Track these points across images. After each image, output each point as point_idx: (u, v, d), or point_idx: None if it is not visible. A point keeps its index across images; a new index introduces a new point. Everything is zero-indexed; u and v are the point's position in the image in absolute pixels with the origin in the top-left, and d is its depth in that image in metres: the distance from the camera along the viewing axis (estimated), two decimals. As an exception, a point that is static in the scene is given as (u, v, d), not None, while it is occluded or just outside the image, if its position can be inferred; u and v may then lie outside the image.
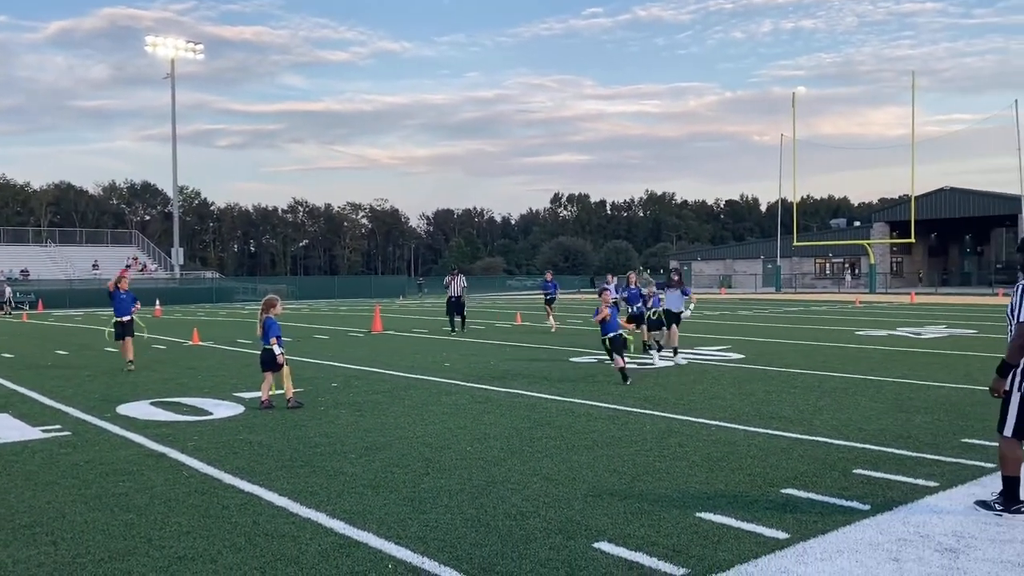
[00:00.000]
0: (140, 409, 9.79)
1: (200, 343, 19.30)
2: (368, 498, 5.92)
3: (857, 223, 71.97)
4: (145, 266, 59.65)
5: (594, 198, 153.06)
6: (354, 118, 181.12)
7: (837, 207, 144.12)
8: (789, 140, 53.31)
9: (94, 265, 55.72)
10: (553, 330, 21.75)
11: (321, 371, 13.48)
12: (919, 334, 19.92)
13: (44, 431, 8.57)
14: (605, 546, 4.87)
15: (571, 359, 14.94)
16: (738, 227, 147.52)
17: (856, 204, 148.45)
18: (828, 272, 66.81)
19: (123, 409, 9.81)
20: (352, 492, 6.08)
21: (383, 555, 4.75)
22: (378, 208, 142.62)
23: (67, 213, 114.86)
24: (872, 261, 55.54)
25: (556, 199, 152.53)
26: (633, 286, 16.08)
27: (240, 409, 9.77)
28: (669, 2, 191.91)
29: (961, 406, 9.47)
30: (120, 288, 14.11)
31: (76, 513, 5.62)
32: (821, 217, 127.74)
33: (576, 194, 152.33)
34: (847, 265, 65.29)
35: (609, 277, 20.90)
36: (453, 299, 22.51)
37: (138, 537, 5.11)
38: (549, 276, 24.95)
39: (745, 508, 5.57)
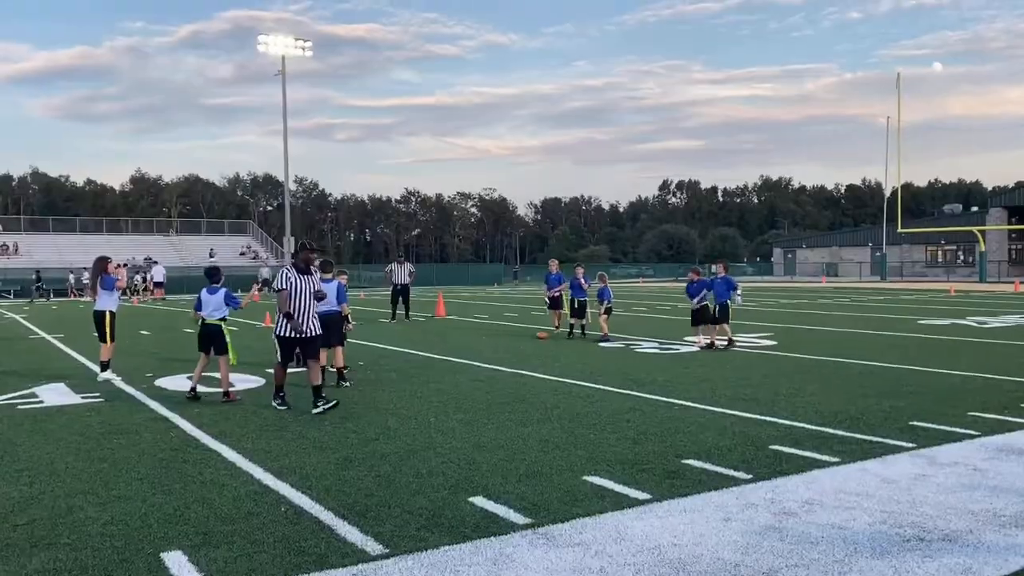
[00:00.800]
0: (174, 382, 10.95)
1: (269, 325, 20.67)
2: (308, 457, 6.72)
3: (974, 208, 68.40)
4: (257, 254, 62.94)
5: (705, 184, 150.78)
6: (465, 110, 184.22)
7: (968, 191, 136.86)
8: (906, 123, 51.36)
9: (210, 253, 59.28)
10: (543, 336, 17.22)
11: (359, 351, 14.46)
12: (984, 323, 19.32)
13: (84, 398, 9.81)
14: (478, 500, 5.49)
15: (601, 344, 15.43)
16: (859, 213, 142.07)
17: (990, 188, 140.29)
18: (940, 260, 63.89)
19: (161, 382, 11.01)
20: (299, 452, 6.90)
21: (285, 501, 5.53)
22: (487, 197, 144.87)
23: (195, 204, 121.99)
24: (983, 248, 52.84)
25: (665, 186, 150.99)
26: (576, 278, 16.83)
27: (261, 383, 10.80)
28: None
29: (954, 392, 9.51)
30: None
31: (63, 462, 6.66)
32: (950, 202, 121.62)
33: (686, 181, 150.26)
34: (960, 252, 62.26)
35: (578, 269, 17.68)
36: (399, 287, 22.18)
37: (99, 481, 6.07)
38: (554, 267, 18.72)
39: (632, 474, 6.06)
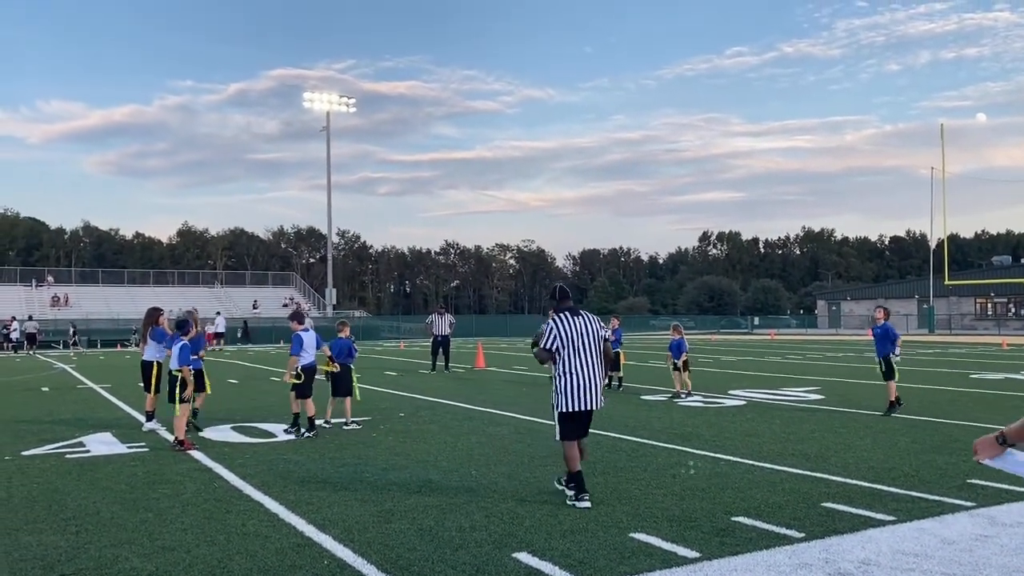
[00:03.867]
0: (219, 432, 11.01)
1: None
2: (351, 509, 6.68)
3: (1024, 260, 66.98)
4: (299, 305, 63.67)
5: (746, 236, 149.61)
6: (504, 164, 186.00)
7: (1017, 243, 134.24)
8: (950, 174, 50.77)
9: (254, 305, 60.14)
10: None
11: (400, 402, 14.45)
12: (1039, 377, 18.76)
13: (129, 447, 9.90)
14: (523, 556, 5.39)
15: (642, 396, 15.25)
16: (904, 265, 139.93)
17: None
18: (990, 313, 62.44)
19: (206, 432, 11.08)
20: (341, 504, 6.86)
21: (327, 554, 5.48)
22: (525, 249, 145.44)
23: (240, 257, 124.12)
24: (1035, 300, 51.55)
25: (705, 237, 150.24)
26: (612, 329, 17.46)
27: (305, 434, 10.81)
28: (817, 38, 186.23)
29: (1005, 449, 9.19)
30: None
31: (108, 512, 6.70)
32: (998, 254, 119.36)
33: (727, 232, 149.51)
34: (1011, 305, 60.83)
35: (614, 320, 19.00)
36: (439, 338, 22.32)
37: (143, 531, 6.08)
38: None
39: (680, 531, 5.92)
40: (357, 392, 11.78)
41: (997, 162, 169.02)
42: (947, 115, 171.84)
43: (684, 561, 5.25)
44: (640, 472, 8.11)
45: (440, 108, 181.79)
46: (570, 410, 6.86)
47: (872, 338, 13.27)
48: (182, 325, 10.29)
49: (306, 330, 10.94)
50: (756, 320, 76.20)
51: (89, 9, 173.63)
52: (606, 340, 7.06)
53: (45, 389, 18.26)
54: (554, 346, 6.88)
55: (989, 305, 62.89)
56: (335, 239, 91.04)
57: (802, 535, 5.80)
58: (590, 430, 7.22)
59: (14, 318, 42.38)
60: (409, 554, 5.44)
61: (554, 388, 6.98)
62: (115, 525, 6.26)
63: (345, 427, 11.25)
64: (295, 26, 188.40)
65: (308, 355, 10.79)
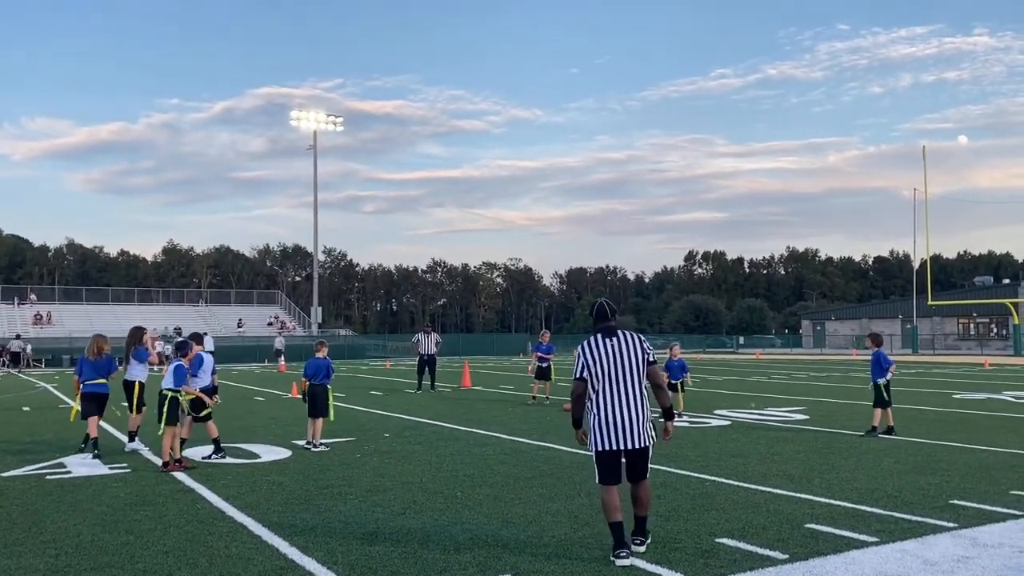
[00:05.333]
0: (202, 452, 10.93)
1: (297, 396, 20.72)
2: (335, 531, 6.64)
3: (1006, 280, 67.60)
4: (284, 324, 63.39)
5: (731, 255, 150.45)
6: (490, 183, 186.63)
7: (998, 263, 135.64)
8: (932, 195, 51.29)
9: (238, 324, 59.83)
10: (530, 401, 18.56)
11: (385, 422, 14.40)
12: (1022, 398, 18.89)
13: (111, 468, 9.82)
14: (506, 579, 5.38)
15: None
16: (888, 285, 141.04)
17: (1021, 260, 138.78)
18: (972, 333, 62.93)
19: (188, 452, 10.98)
20: (325, 526, 6.82)
21: (310, 577, 5.45)
22: (512, 267, 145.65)
23: (225, 275, 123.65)
24: (1016, 321, 52.02)
25: (690, 257, 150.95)
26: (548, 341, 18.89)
27: (287, 454, 10.76)
28: (800, 60, 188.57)
29: (993, 469, 9.25)
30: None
31: (89, 534, 6.63)
32: (979, 274, 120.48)
33: (712, 251, 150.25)
34: (992, 325, 61.33)
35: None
36: (426, 357, 22.28)
37: (124, 554, 6.02)
38: (546, 338, 19.40)
39: (664, 553, 5.92)
40: (332, 413, 11.66)
41: (978, 183, 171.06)
42: (928, 137, 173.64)
43: (668, 583, 5.25)
44: (623, 493, 8.08)
45: (427, 127, 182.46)
46: (601, 448, 5.87)
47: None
48: (181, 347, 10.21)
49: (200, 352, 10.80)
50: (741, 339, 76.48)
51: (75, 26, 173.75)
52: (652, 364, 6.00)
53: (26, 409, 18.08)
54: (583, 374, 5.91)
55: (971, 325, 63.41)
56: (321, 257, 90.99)
57: (786, 556, 5.81)
58: (647, 469, 6.04)
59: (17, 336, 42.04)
60: (392, 577, 5.42)
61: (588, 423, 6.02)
62: (95, 547, 6.20)
63: (314, 448, 11.12)
64: (282, 44, 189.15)
65: (205, 377, 10.68)
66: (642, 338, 6.07)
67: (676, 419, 14.39)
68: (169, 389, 9.49)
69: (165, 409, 9.41)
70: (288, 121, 61.72)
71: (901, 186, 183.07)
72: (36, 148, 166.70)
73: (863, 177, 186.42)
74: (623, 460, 5.93)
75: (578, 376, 5.92)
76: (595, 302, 6.19)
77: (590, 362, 5.89)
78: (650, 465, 6.05)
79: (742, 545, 6.11)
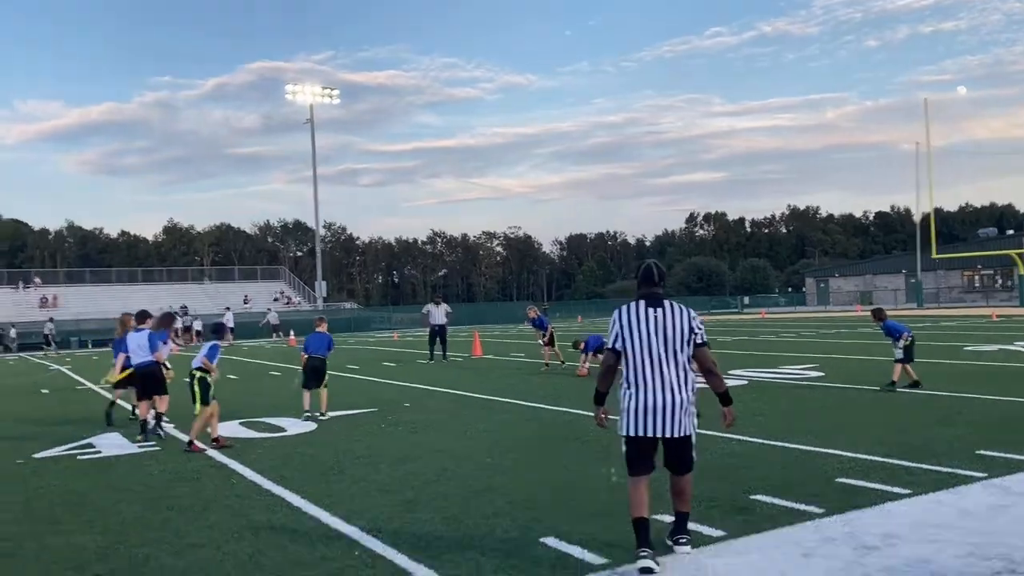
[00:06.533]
0: (227, 429, 10.98)
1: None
2: (373, 500, 6.73)
3: (1010, 232, 67.53)
4: (290, 299, 63.52)
5: (732, 216, 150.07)
6: (487, 151, 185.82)
7: (1000, 215, 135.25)
8: (934, 148, 51.05)
9: (244, 300, 59.93)
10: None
11: (403, 392, 14.50)
12: (1033, 348, 18.99)
13: (140, 447, 9.91)
14: (550, 540, 5.46)
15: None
16: (889, 240, 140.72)
17: (1023, 211, 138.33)
18: (977, 285, 62.98)
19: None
20: (363, 495, 6.91)
21: (357, 544, 5.53)
22: (512, 236, 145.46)
23: (226, 252, 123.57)
24: (1022, 271, 52.04)
25: (691, 219, 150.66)
26: (535, 316, 19.34)
27: (312, 427, 10.86)
28: (795, 16, 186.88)
29: (1015, 419, 9.33)
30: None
31: (130, 511, 6.72)
32: (982, 226, 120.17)
33: (713, 212, 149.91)
34: (997, 277, 61.35)
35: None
36: (437, 327, 22.31)
37: (170, 529, 6.12)
38: (533, 313, 19.74)
39: (701, 511, 5.99)
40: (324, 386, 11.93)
41: (977, 135, 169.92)
42: (926, 89, 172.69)
43: (710, 540, 5.34)
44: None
45: (420, 97, 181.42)
46: (633, 434, 5.10)
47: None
48: (218, 329, 10.57)
49: (139, 331, 10.90)
50: (746, 299, 76.52)
51: (64, 7, 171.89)
52: (701, 344, 5.19)
53: (45, 391, 18.19)
54: (616, 345, 5.16)
55: (976, 278, 63.45)
56: (322, 232, 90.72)
57: (822, 510, 5.88)
58: (684, 464, 5.30)
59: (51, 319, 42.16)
60: (438, 543, 5.50)
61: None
62: (140, 524, 6.29)
63: (321, 417, 11.46)
64: (271, 19, 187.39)
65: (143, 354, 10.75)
66: (692, 313, 5.26)
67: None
68: (197, 368, 9.53)
69: (197, 389, 9.43)
70: (281, 96, 61.34)
71: (900, 140, 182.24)
72: (29, 131, 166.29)
73: (861, 132, 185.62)
74: (659, 449, 5.22)
75: (611, 346, 5.17)
76: (642, 263, 5.37)
77: (625, 332, 5.10)
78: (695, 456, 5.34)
79: (777, 501, 6.20)
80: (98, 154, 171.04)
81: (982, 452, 7.59)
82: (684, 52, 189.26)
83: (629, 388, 5.11)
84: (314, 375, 11.80)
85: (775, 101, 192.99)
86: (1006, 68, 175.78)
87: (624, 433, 5.15)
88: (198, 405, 9.42)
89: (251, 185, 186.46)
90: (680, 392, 5.07)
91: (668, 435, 5.09)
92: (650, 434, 5.07)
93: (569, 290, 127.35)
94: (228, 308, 47.61)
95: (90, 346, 42.63)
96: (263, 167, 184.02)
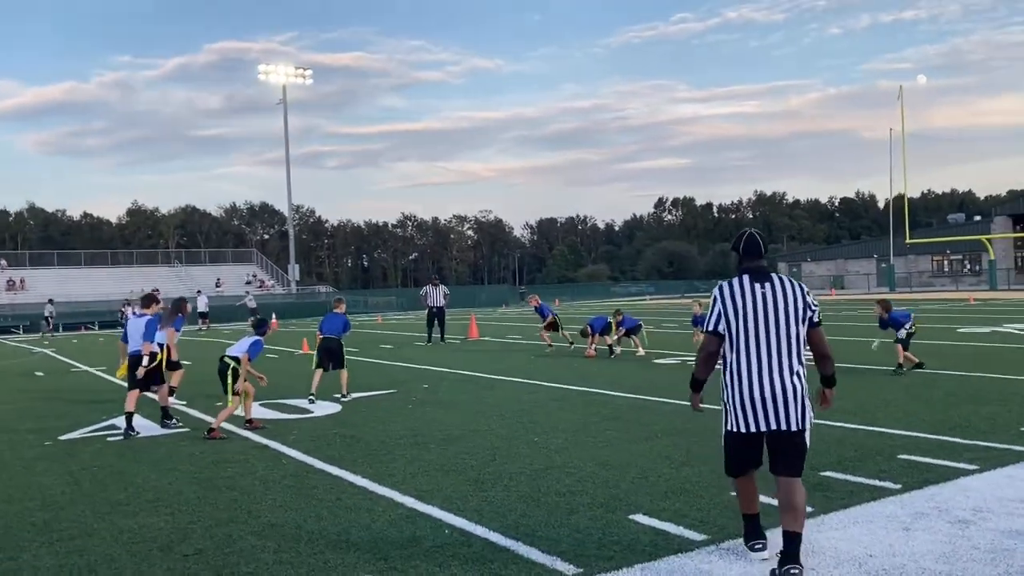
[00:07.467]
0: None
1: (309, 351, 20.59)
2: (438, 479, 6.64)
3: (978, 217, 68.81)
4: (263, 283, 62.78)
5: (700, 201, 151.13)
6: (454, 134, 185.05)
7: (961, 201, 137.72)
8: (898, 134, 51.68)
9: (217, 283, 59.11)
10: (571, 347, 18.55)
11: (416, 374, 14.38)
12: (1024, 330, 19.35)
13: (167, 429, 9.69)
14: (640, 517, 5.42)
15: (655, 360, 15.39)
16: (855, 226, 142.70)
17: (982, 197, 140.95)
18: (946, 269, 64.14)
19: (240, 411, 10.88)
20: (424, 474, 6.82)
21: (443, 523, 5.45)
22: (483, 220, 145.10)
23: (192, 235, 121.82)
24: (992, 257, 53.08)
25: (660, 204, 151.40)
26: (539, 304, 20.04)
27: (337, 408, 10.71)
28: (759, 3, 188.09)
29: (1037, 398, 9.48)
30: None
31: (190, 492, 6.57)
32: (943, 212, 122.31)
33: (681, 198, 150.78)
34: (966, 262, 62.52)
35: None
36: (435, 309, 22.41)
37: (240, 509, 5.98)
38: (535, 302, 20.56)
39: (779, 487, 5.99)
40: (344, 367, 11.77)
41: (935, 122, 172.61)
42: (888, 77, 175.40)
43: (801, 516, 5.32)
44: (700, 434, 8.16)
45: (387, 79, 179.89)
46: (736, 429, 4.56)
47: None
48: (260, 324, 9.95)
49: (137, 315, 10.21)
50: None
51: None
52: (817, 325, 4.66)
53: (39, 374, 17.77)
54: (718, 327, 4.57)
55: (945, 262, 64.57)
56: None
57: (899, 486, 5.91)
58: (797, 463, 4.57)
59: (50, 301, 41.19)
60: (526, 520, 5.44)
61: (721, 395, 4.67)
62: (207, 505, 6.14)
63: (343, 399, 11.35)
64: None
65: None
66: (804, 288, 4.68)
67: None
68: (232, 358, 9.29)
69: (230, 380, 9.19)
70: (246, 77, 60.48)
71: (863, 127, 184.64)
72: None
73: (825, 119, 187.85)
74: (764, 446, 4.59)
75: (711, 329, 4.58)
76: (742, 232, 4.78)
77: (730, 313, 4.51)
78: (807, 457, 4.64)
79: (849, 477, 6.21)
80: (57, 134, 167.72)
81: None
82: (651, 38, 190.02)
83: (731, 378, 4.55)
84: (328, 356, 11.62)
85: (740, 88, 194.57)
86: (963, 57, 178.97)
87: (728, 428, 4.60)
88: (230, 396, 9.16)
89: (216, 167, 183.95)
90: (793, 379, 4.52)
91: (774, 428, 4.45)
92: (758, 428, 4.48)
93: (541, 274, 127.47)
94: (200, 291, 46.81)
95: (61, 329, 41.82)
96: (228, 148, 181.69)
